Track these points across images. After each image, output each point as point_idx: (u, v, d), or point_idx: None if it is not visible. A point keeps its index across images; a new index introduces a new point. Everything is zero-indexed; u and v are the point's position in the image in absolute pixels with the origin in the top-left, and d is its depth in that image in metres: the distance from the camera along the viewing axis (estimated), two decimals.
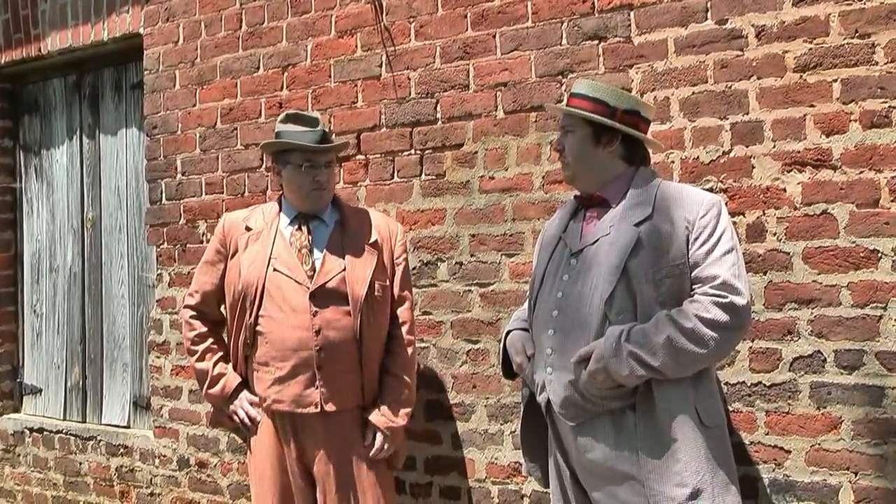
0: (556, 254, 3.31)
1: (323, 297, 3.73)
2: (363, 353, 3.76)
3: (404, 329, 3.90)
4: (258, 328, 3.76)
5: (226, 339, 4.00)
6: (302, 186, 3.82)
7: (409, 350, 3.89)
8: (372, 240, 3.88)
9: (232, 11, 5.05)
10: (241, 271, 3.79)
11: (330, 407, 3.70)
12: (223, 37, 5.09)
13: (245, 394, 3.85)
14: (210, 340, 3.96)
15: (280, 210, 3.92)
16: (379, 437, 3.76)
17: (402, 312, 3.92)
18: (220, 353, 3.93)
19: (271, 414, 3.78)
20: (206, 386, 3.91)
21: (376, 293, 3.80)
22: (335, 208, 3.96)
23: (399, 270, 3.94)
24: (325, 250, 3.82)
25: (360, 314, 3.74)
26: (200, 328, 3.96)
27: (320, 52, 4.72)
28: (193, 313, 3.99)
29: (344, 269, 3.78)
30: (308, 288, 3.73)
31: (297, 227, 3.87)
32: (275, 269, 3.77)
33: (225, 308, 3.97)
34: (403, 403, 3.82)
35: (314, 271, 3.77)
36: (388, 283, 3.88)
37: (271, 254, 3.79)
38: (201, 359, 3.92)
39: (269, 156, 3.99)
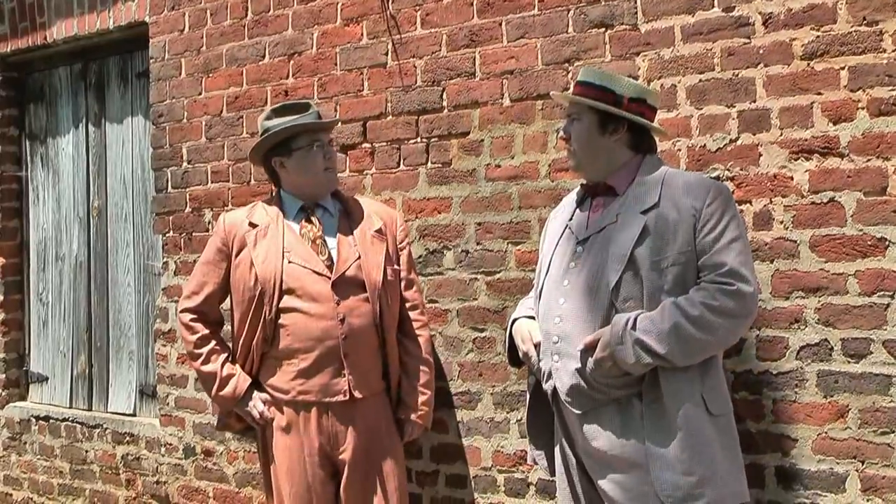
0: (562, 242, 3.31)
1: (343, 285, 3.76)
2: (384, 338, 3.83)
3: (416, 312, 4.00)
4: (279, 322, 3.76)
5: (231, 338, 4.00)
6: (315, 167, 3.85)
7: (425, 331, 4.00)
8: (377, 226, 3.93)
9: None
10: (255, 267, 3.78)
11: (358, 393, 3.74)
12: (229, 25, 5.08)
13: (258, 393, 3.85)
14: (213, 342, 3.92)
15: (281, 205, 3.93)
16: (414, 428, 3.94)
17: (412, 295, 4.01)
18: (225, 354, 3.91)
19: (293, 406, 3.78)
20: (215, 388, 3.87)
21: (389, 277, 3.85)
22: (335, 197, 4.00)
23: (404, 255, 4.01)
24: (337, 239, 3.86)
25: (378, 300, 3.78)
26: (202, 330, 3.92)
27: (326, 39, 4.71)
28: (193, 316, 3.93)
29: (359, 257, 3.81)
30: (329, 277, 3.75)
31: (304, 218, 3.89)
32: (290, 262, 3.77)
33: (231, 307, 3.96)
34: (427, 385, 3.94)
35: (331, 261, 3.80)
36: (396, 267, 3.92)
37: (284, 247, 3.79)
38: (206, 361, 3.88)
39: (261, 157, 3.94)
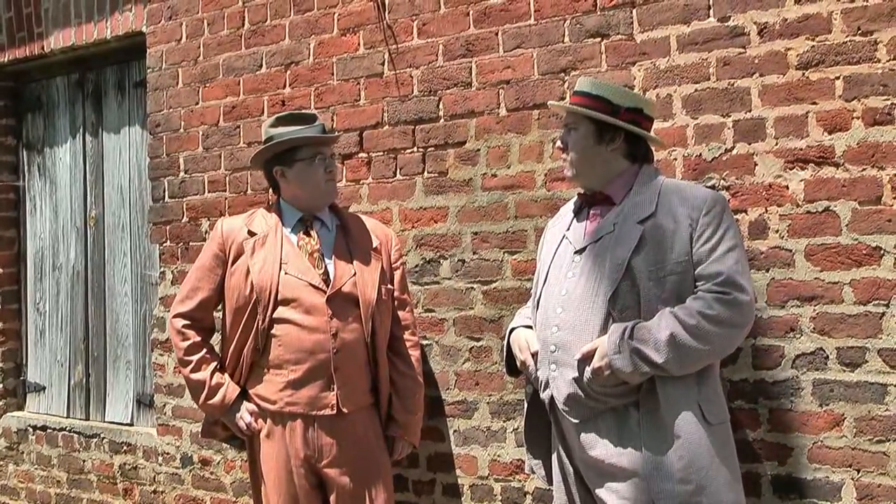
0: (559, 252, 3.32)
1: (338, 300, 3.76)
2: (374, 355, 3.83)
3: (408, 332, 4.01)
4: (272, 331, 3.76)
5: (221, 346, 3.99)
6: (316, 180, 3.85)
7: (417, 351, 4.01)
8: (374, 244, 3.94)
9: (234, 10, 5.05)
10: (252, 275, 3.77)
11: (346, 408, 3.74)
12: (226, 35, 5.09)
13: (246, 404, 3.84)
14: (204, 350, 3.89)
15: (280, 215, 3.93)
16: (404, 447, 3.98)
17: (405, 315, 4.02)
18: (215, 363, 3.89)
19: (280, 417, 3.78)
20: (203, 397, 3.85)
21: (383, 297, 3.86)
22: (333, 213, 4.00)
23: (398, 274, 4.02)
24: (334, 254, 3.86)
25: (371, 317, 3.80)
26: (194, 337, 3.89)
27: (323, 50, 4.72)
28: (186, 322, 3.90)
29: (354, 274, 3.82)
30: (325, 291, 3.75)
31: (302, 231, 3.89)
32: (287, 273, 3.77)
33: (223, 314, 3.95)
34: (418, 405, 3.98)
35: (328, 275, 3.80)
36: (389, 286, 3.93)
37: (281, 258, 3.79)
38: (196, 369, 3.86)
39: (262, 163, 3.95)
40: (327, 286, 3.77)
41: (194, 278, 3.95)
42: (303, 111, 4.10)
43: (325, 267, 3.82)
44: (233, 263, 3.86)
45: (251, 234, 3.87)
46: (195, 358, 3.87)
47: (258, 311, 3.75)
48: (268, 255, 3.80)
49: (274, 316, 3.75)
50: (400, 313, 3.99)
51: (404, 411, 3.91)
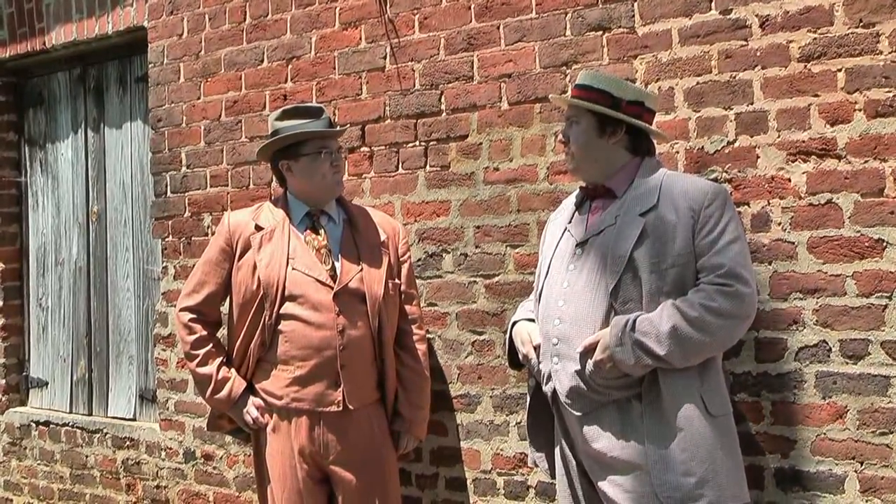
0: (561, 244, 3.32)
1: (345, 296, 3.76)
2: (381, 351, 3.83)
3: (415, 325, 4.01)
4: (278, 327, 3.75)
5: (228, 340, 4.00)
6: (322, 174, 3.83)
7: (423, 345, 4.01)
8: (381, 239, 3.93)
9: (236, 4, 5.05)
10: (259, 270, 3.77)
11: (352, 405, 3.74)
12: (227, 29, 5.09)
13: (252, 398, 3.84)
14: (211, 344, 3.89)
15: (287, 209, 3.92)
16: (410, 441, 3.98)
17: (412, 309, 4.02)
18: (221, 357, 3.89)
19: (286, 413, 3.78)
20: (210, 391, 3.85)
21: (390, 291, 3.86)
22: (340, 206, 3.99)
23: (405, 268, 4.01)
24: (341, 250, 3.85)
25: (378, 313, 3.79)
26: (200, 331, 3.89)
27: (324, 44, 4.72)
28: (193, 316, 3.90)
29: (361, 270, 3.81)
30: (332, 288, 3.75)
31: (309, 225, 3.89)
32: (294, 269, 3.76)
33: (230, 308, 3.95)
34: (424, 400, 3.98)
35: (335, 271, 3.79)
36: (396, 280, 3.92)
37: (288, 253, 3.79)
38: (203, 363, 3.86)
39: (268, 156, 3.94)
40: (334, 282, 3.77)
41: (201, 272, 3.94)
42: (309, 104, 4.08)
43: (333, 263, 3.82)
44: (240, 258, 3.85)
45: (258, 228, 3.86)
46: (202, 352, 3.87)
47: (265, 307, 3.75)
48: (275, 250, 3.79)
49: (281, 312, 3.74)
50: (406, 307, 3.98)
51: (410, 406, 3.91)
